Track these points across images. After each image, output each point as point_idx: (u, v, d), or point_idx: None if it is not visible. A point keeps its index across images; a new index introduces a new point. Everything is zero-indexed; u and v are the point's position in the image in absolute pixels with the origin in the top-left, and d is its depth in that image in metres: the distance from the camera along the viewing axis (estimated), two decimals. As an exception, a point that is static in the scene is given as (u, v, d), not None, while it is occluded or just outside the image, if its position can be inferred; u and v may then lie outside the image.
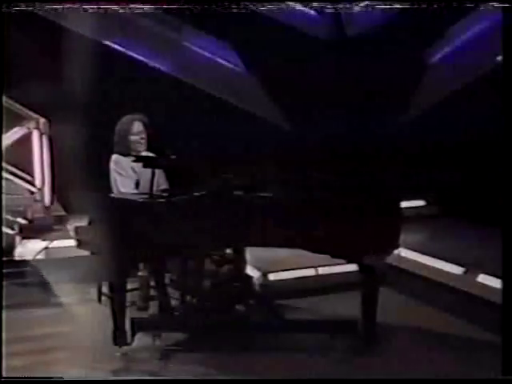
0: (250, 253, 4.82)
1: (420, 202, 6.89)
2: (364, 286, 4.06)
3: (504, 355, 3.17)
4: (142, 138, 4.56)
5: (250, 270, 5.05)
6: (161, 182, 4.62)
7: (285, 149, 6.86)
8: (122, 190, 4.50)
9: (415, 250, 5.32)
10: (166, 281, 4.70)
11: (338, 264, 4.93)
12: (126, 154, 4.56)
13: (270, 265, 5.26)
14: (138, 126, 4.57)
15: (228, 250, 4.62)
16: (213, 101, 6.75)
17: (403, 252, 5.11)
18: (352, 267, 4.41)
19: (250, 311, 4.57)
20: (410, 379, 3.59)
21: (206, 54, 6.83)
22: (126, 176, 4.54)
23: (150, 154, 4.58)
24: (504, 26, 3.55)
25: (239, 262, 4.68)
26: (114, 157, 4.62)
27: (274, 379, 3.73)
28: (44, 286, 5.27)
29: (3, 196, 5.18)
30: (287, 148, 6.88)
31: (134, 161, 4.33)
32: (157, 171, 4.30)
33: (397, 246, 4.15)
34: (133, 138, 4.55)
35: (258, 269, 5.18)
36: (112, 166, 4.60)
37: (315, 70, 6.99)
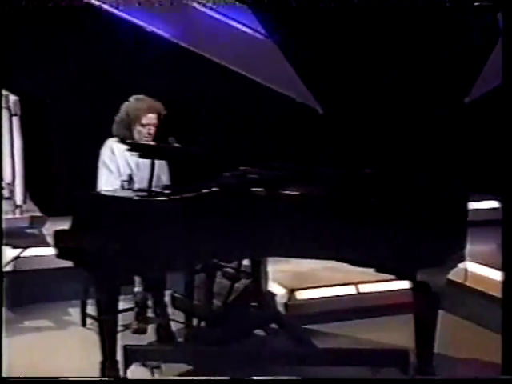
0: (272, 265, 4.81)
1: (493, 203, 6.80)
2: (418, 309, 4.01)
3: (504, 355, 3.48)
4: (149, 133, 4.60)
5: (273, 287, 5.04)
6: (163, 176, 4.66)
7: (317, 136, 6.82)
8: (104, 187, 4.55)
9: (486, 264, 5.26)
10: (167, 299, 4.73)
11: (385, 280, 4.94)
12: (125, 142, 4.57)
13: (298, 280, 5.25)
14: (151, 118, 4.62)
15: (245, 262, 4.62)
16: (226, 75, 6.72)
17: (470, 266, 5.08)
18: (402, 284, 4.38)
19: (271, 338, 4.59)
20: (410, 379, 3.71)
21: (218, 16, 6.80)
22: (113, 171, 4.60)
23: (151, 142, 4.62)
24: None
25: (258, 276, 4.68)
26: (110, 142, 4.65)
27: (274, 379, 3.78)
28: (14, 304, 5.24)
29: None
30: (320, 135, 6.84)
31: (129, 150, 4.35)
32: (157, 163, 4.30)
33: (462, 259, 4.11)
34: (140, 128, 4.60)
35: (283, 285, 5.17)
36: (103, 152, 4.63)
37: (356, 37, 6.92)
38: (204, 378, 3.94)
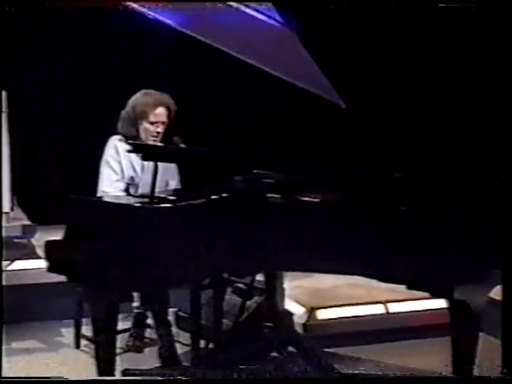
0: (288, 280, 4.84)
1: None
2: (456, 331, 3.94)
3: (504, 355, 3.61)
4: (157, 132, 4.61)
5: (289, 305, 5.05)
6: (171, 181, 4.71)
7: (339, 134, 6.76)
8: (106, 188, 4.58)
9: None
10: (171, 318, 4.75)
11: (418, 299, 4.97)
12: (127, 142, 4.58)
13: (318, 298, 5.29)
14: (160, 114, 4.62)
15: (258, 277, 4.64)
16: (240, 67, 6.67)
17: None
18: (438, 303, 4.41)
19: (289, 362, 4.57)
20: (410, 378, 3.87)
21: (230, 2, 6.77)
22: (116, 172, 4.61)
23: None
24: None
25: (273, 292, 4.71)
26: (115, 141, 4.66)
27: (274, 379, 3.93)
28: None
29: None
30: (343, 133, 6.77)
31: (129, 151, 4.31)
32: (163, 166, 4.28)
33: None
34: (147, 126, 4.61)
35: (301, 303, 5.19)
36: (106, 151, 4.64)
37: (385, 25, 6.85)
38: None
